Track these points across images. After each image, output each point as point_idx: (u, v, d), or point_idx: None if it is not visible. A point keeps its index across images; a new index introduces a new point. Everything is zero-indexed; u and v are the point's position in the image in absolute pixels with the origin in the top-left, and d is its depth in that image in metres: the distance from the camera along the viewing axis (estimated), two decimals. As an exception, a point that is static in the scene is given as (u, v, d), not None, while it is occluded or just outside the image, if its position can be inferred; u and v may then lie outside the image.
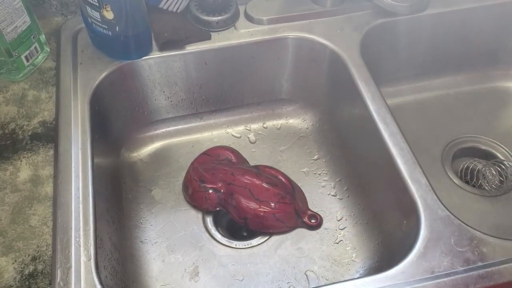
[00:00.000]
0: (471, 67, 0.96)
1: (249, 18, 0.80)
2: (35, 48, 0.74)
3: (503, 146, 0.88)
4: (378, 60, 0.83)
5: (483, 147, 0.88)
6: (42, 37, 0.76)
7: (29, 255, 0.56)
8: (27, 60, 0.73)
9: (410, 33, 0.85)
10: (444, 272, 0.55)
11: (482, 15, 0.86)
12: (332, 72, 0.81)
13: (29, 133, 0.67)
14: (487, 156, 0.87)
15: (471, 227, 0.58)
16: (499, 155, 0.87)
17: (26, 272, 0.55)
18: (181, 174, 0.81)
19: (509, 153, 0.87)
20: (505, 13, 0.88)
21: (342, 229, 0.76)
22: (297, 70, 0.84)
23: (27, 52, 0.73)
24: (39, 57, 0.76)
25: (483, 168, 0.83)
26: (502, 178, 0.83)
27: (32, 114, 0.69)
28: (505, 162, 0.84)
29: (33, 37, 0.73)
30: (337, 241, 0.74)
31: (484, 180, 0.82)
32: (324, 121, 0.87)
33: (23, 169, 0.63)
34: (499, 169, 0.83)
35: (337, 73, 0.79)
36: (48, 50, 0.77)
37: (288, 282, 0.71)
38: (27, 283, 0.54)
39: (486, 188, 0.82)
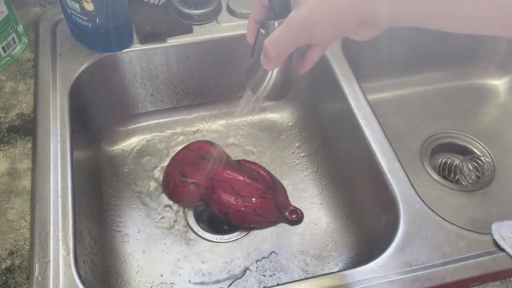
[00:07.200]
0: (450, 63, 0.98)
1: (231, 11, 0.80)
2: (13, 38, 0.73)
3: (480, 142, 0.89)
4: (359, 56, 0.83)
5: (460, 143, 0.90)
6: (20, 28, 0.74)
7: (6, 250, 0.55)
8: (4, 51, 0.72)
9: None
10: (422, 266, 0.56)
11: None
12: (313, 67, 0.80)
13: (6, 126, 0.66)
14: (465, 151, 0.89)
15: (448, 221, 0.60)
16: (476, 150, 0.89)
17: (3, 266, 0.54)
18: (161, 168, 0.81)
19: (485, 149, 0.88)
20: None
21: (322, 224, 0.76)
22: (279, 65, 0.84)
23: (4, 43, 0.71)
24: (17, 48, 0.74)
25: (461, 164, 0.85)
26: (479, 173, 0.84)
27: (10, 106, 0.68)
28: (482, 158, 0.86)
29: (11, 28, 0.72)
30: (317, 235, 0.75)
31: (461, 175, 0.84)
32: (305, 116, 0.88)
33: (0, 162, 0.62)
34: (476, 164, 0.85)
35: (319, 68, 0.78)
36: (26, 41, 0.76)
37: (269, 276, 0.71)
38: (4, 277, 0.53)
39: (463, 183, 0.83)
